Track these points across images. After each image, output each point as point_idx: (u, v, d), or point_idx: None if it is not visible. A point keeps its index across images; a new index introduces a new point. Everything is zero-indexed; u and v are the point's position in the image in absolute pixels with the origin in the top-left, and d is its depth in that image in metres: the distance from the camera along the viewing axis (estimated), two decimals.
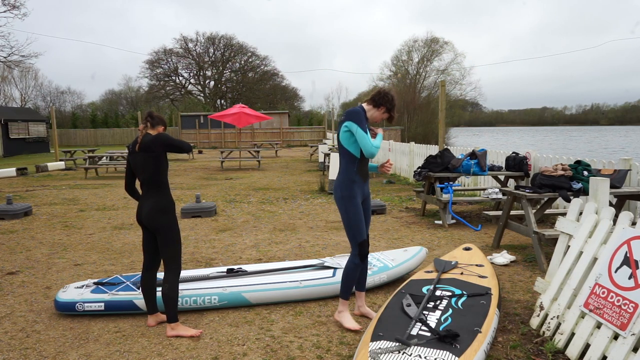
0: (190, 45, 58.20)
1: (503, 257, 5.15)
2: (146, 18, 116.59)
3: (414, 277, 3.98)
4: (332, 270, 4.26)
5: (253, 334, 3.46)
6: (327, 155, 13.86)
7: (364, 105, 3.55)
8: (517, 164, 7.53)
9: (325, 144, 20.31)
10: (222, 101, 59.33)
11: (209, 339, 3.39)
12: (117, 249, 5.96)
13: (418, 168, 7.68)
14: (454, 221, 7.24)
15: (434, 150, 11.46)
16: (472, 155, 7.32)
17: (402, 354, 2.62)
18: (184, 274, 4.23)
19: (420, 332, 2.88)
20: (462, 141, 45.06)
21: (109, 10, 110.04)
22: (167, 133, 3.64)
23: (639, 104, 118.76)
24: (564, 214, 4.02)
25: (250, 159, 17.82)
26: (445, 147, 8.99)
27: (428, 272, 4.09)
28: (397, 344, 2.71)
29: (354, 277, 3.51)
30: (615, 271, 2.95)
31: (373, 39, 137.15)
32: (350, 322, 3.51)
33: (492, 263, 5.15)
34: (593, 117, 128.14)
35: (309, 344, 3.30)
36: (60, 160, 18.84)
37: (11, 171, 15.61)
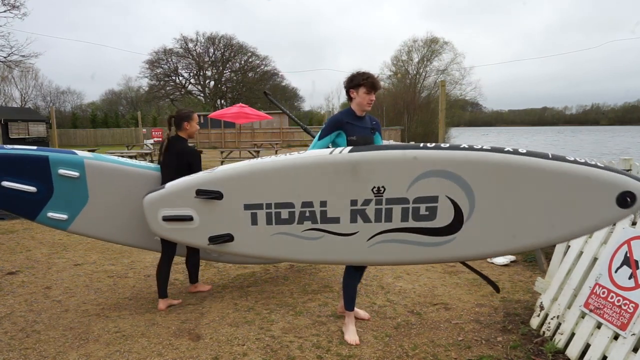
0: (190, 45, 58.16)
1: (503, 257, 5.15)
2: (147, 16, 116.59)
3: None
4: None
5: (253, 334, 3.46)
6: None
7: (351, 104, 3.38)
8: None
9: None
10: (222, 101, 59.32)
11: (209, 339, 3.39)
12: (117, 248, 5.96)
13: None
14: None
15: None
16: None
17: None
18: None
19: None
20: (467, 141, 44.80)
21: (109, 9, 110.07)
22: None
23: (639, 104, 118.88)
24: None
25: (250, 159, 17.81)
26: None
27: None
28: None
29: (352, 287, 3.40)
30: (616, 271, 2.95)
31: (376, 38, 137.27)
32: (350, 336, 3.37)
33: (492, 263, 5.15)
34: (593, 117, 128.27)
35: (309, 344, 3.30)
36: None
37: None
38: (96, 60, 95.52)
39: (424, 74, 52.23)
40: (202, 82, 60.51)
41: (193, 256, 4.24)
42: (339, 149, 2.81)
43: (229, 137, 33.33)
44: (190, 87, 60.70)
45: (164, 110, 54.49)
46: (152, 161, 17.29)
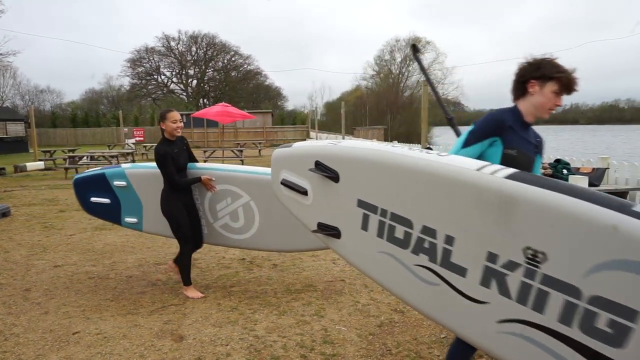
0: (173, 43, 57.86)
1: None
2: (129, 14, 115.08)
3: None
4: None
5: (237, 334, 3.44)
6: None
7: (518, 103, 2.37)
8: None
9: None
10: (205, 100, 59.01)
11: (192, 340, 3.36)
12: (98, 249, 5.89)
13: None
14: None
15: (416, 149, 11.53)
16: None
17: None
18: None
19: None
20: (451, 141, 45.13)
21: (89, 6, 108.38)
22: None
23: (615, 104, 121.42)
24: None
25: (233, 158, 17.73)
26: (428, 145, 9.07)
27: None
28: None
29: None
30: None
31: (364, 37, 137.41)
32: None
33: None
34: (572, 116, 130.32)
35: (292, 343, 3.30)
36: (40, 160, 18.50)
37: None
38: (76, 59, 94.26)
39: (406, 73, 52.65)
40: (184, 81, 60.16)
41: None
42: (492, 167, 1.87)
43: (212, 137, 33.12)
44: (172, 86, 60.40)
45: (146, 109, 53.97)
46: (133, 161, 17.14)
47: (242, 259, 5.34)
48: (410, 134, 40.14)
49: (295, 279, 4.66)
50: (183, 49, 58.61)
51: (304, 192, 2.47)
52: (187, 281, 4.24)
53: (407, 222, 2.04)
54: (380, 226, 2.15)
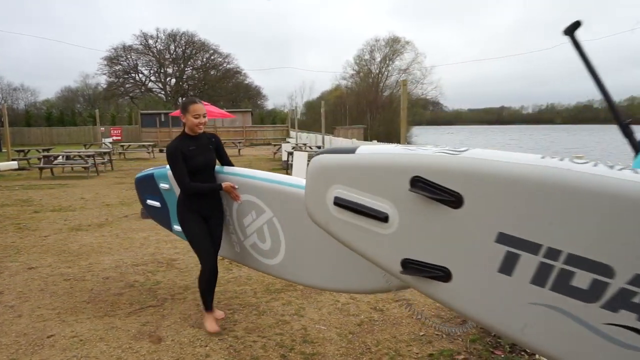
0: (151, 41, 57.09)
1: None
2: (106, 11, 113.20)
3: None
4: None
5: (216, 335, 3.42)
6: (290, 153, 13.85)
7: None
8: None
9: (288, 142, 20.27)
10: (184, 99, 58.45)
11: (171, 341, 3.33)
12: (74, 251, 5.78)
13: None
14: None
15: None
16: None
17: None
18: None
19: None
20: (430, 140, 45.60)
21: (65, 2, 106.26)
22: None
23: (589, 104, 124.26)
24: None
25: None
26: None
27: None
28: None
29: None
30: None
31: (345, 36, 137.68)
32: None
33: None
34: (548, 116, 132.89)
35: (272, 343, 3.30)
36: (13, 159, 18.09)
37: None
38: (51, 56, 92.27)
39: (386, 73, 52.96)
40: (162, 80, 59.46)
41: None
42: None
43: None
44: (150, 84, 59.64)
45: (123, 108, 53.21)
46: (110, 161, 16.89)
47: (221, 259, 5.30)
48: (389, 134, 40.41)
49: (275, 279, 4.64)
50: (161, 47, 57.93)
51: (383, 219, 1.77)
52: (207, 306, 3.53)
53: (600, 268, 1.47)
54: (541, 270, 1.56)
